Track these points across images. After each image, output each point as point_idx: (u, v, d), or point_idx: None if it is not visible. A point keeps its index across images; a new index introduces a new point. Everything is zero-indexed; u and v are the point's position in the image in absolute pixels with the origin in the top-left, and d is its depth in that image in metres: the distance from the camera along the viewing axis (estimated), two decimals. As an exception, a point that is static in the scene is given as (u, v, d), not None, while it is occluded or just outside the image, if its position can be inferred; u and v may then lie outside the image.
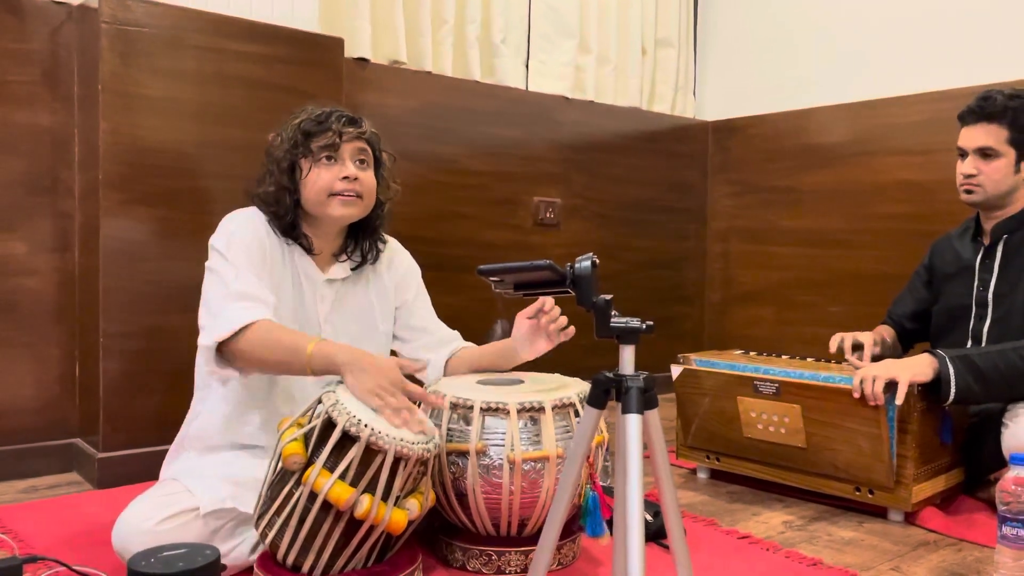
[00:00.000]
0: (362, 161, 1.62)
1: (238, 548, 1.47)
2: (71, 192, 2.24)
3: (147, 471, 1.96)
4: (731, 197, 3.68)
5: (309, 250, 1.64)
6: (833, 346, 2.16)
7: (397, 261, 1.80)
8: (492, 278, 1.07)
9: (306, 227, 1.64)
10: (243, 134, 2.24)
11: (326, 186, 1.57)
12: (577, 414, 1.55)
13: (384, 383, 1.38)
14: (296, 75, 2.36)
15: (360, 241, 1.71)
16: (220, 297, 1.50)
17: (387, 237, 1.78)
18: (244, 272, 1.52)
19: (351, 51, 2.63)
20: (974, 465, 2.01)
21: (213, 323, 1.48)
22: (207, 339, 1.47)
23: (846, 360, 2.11)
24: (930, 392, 1.84)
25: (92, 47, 2.11)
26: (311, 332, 1.64)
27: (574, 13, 3.34)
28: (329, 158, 1.58)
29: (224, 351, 1.48)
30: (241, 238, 1.56)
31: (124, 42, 2.09)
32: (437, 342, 1.80)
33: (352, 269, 1.70)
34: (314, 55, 2.41)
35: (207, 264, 1.57)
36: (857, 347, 2.16)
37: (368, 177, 1.63)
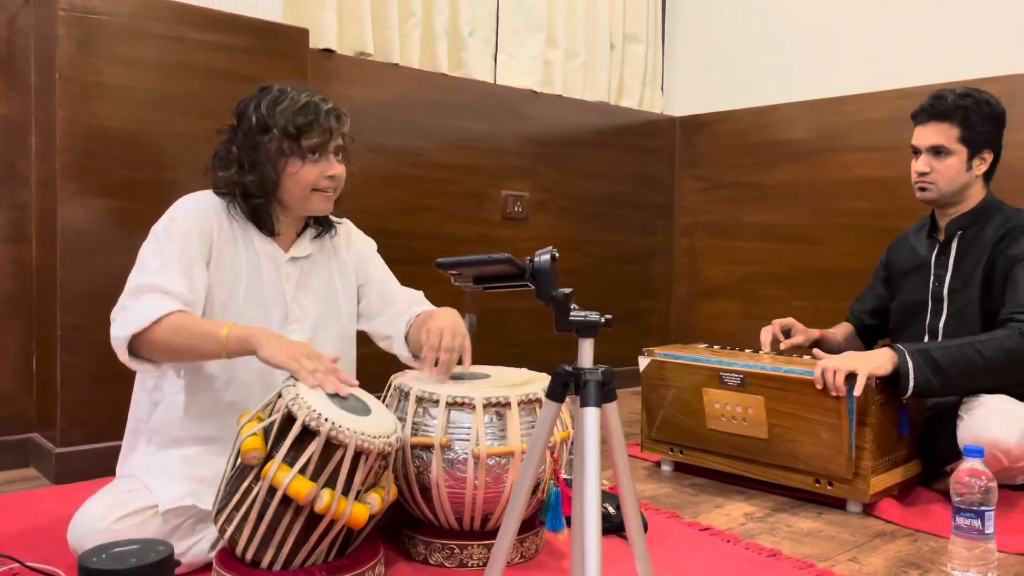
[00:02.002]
0: (339, 154, 1.63)
1: (198, 545, 1.46)
2: (27, 182, 2.19)
3: (106, 466, 1.93)
4: (698, 192, 3.71)
5: (273, 233, 1.63)
6: (764, 343, 2.23)
7: (354, 237, 1.82)
8: (451, 271, 1.07)
9: (274, 211, 1.63)
10: (205, 124, 2.19)
11: (311, 183, 1.58)
12: (543, 409, 1.55)
13: (300, 350, 1.42)
14: (259, 65, 2.33)
15: (320, 220, 1.72)
16: (134, 288, 1.49)
17: (342, 219, 1.79)
18: (171, 263, 1.51)
19: (316, 42, 2.60)
20: (930, 457, 2.05)
21: (125, 315, 1.46)
22: (122, 331, 1.45)
23: (810, 354, 2.14)
24: (889, 385, 1.87)
25: (49, 35, 2.07)
26: (278, 313, 1.63)
27: (542, 7, 3.33)
28: (314, 153, 1.58)
29: (135, 343, 1.46)
30: (183, 223, 1.55)
31: (82, 30, 2.05)
32: (397, 314, 1.79)
33: (312, 239, 1.70)
34: (278, 45, 2.38)
35: (141, 249, 1.55)
36: (786, 333, 2.26)
37: (344, 170, 1.64)
